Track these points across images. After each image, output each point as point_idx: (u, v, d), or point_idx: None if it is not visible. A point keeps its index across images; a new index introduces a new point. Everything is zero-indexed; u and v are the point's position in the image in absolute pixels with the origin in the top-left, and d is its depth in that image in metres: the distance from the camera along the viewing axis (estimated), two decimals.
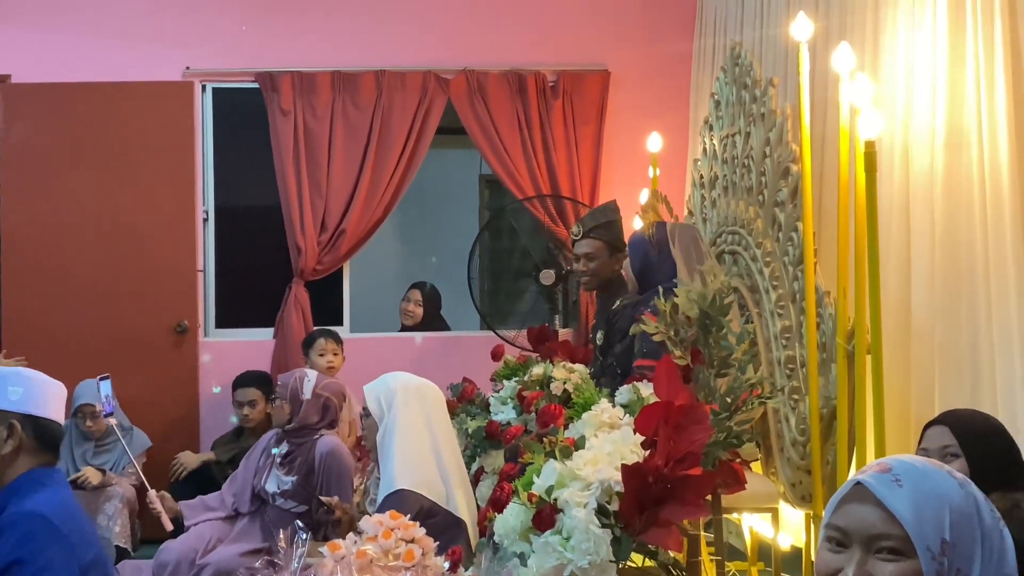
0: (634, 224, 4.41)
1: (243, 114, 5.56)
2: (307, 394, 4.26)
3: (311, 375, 4.32)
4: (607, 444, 2.60)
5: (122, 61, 5.35)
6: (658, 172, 4.70)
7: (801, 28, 3.30)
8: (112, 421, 4.30)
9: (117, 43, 5.38)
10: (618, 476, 2.42)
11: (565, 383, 3.70)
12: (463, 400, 4.23)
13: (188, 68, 5.42)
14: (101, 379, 4.16)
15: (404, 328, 5.80)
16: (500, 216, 6.47)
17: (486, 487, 3.66)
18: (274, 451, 4.29)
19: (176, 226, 5.39)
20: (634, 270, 3.86)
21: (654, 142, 4.70)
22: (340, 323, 5.57)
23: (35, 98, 5.29)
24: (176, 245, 5.38)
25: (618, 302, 4.02)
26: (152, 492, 4.21)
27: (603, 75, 5.60)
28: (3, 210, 5.31)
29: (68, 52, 5.34)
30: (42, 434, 2.46)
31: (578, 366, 3.87)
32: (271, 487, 4.30)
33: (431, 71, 5.48)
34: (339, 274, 5.59)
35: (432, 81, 5.48)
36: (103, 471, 4.71)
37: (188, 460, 5.06)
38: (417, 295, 5.81)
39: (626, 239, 4.01)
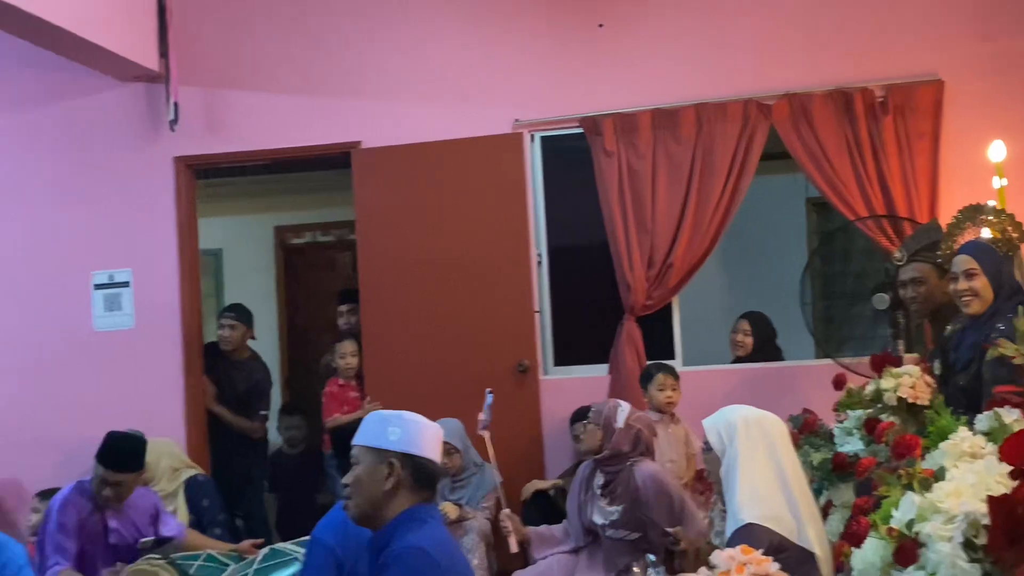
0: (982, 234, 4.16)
1: (569, 159, 5.77)
2: (620, 423, 4.41)
3: (624, 406, 4.50)
4: (970, 475, 2.47)
5: (456, 120, 5.71)
6: (1004, 182, 4.41)
7: None
8: (487, 434, 4.59)
9: (451, 104, 5.75)
10: (984, 508, 2.29)
11: (895, 390, 3.54)
12: (805, 431, 4.14)
13: (517, 120, 5.70)
14: (488, 392, 4.64)
15: (736, 360, 5.75)
16: (830, 239, 6.28)
17: (836, 521, 3.56)
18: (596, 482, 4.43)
19: (513, 269, 5.66)
20: (988, 276, 3.62)
21: (997, 151, 4.42)
22: (672, 357, 5.61)
23: (382, 160, 5.76)
24: (513, 287, 5.65)
25: (949, 328, 3.81)
26: (506, 511, 4.46)
27: (936, 85, 5.32)
28: (361, 263, 5.81)
29: (408, 117, 5.78)
30: (419, 472, 2.65)
31: (907, 367, 3.67)
32: (598, 519, 4.42)
33: (752, 99, 5.45)
34: (668, 308, 5.65)
35: (753, 109, 5.44)
36: (460, 506, 4.99)
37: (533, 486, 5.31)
38: (746, 325, 5.75)
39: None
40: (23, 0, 4.67)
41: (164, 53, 5.81)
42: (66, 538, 4.40)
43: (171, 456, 5.38)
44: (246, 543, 4.74)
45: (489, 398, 4.62)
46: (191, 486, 5.26)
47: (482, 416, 4.60)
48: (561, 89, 5.69)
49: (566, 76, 5.70)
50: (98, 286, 5.96)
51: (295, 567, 3.82)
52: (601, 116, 5.59)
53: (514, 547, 4.51)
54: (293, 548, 4.07)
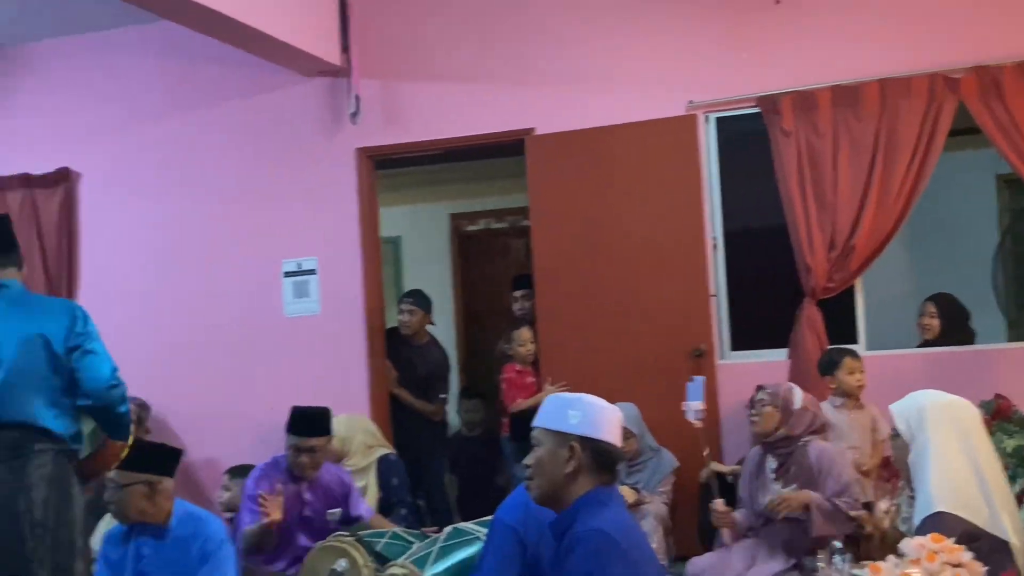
0: None
1: (745, 140, 5.67)
2: (798, 405, 4.41)
3: (797, 389, 4.43)
4: None
5: (630, 104, 5.70)
6: None
7: None
8: (701, 414, 4.49)
9: (624, 88, 5.74)
10: None
11: None
12: (997, 418, 3.99)
13: (691, 102, 5.64)
14: (695, 379, 4.55)
15: (924, 343, 5.55)
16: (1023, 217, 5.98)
17: None
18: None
19: (687, 253, 5.61)
20: None
21: None
22: (854, 340, 5.46)
23: (556, 146, 5.81)
24: (688, 272, 5.60)
25: None
26: (719, 501, 4.44)
27: None
28: (535, 249, 5.88)
29: (581, 102, 5.80)
30: (600, 455, 2.68)
31: None
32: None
33: (938, 73, 5.22)
34: (851, 291, 5.49)
35: (940, 83, 5.21)
36: (636, 490, 5.00)
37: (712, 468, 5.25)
38: (932, 308, 5.55)
39: None
40: (215, 0, 4.93)
41: (346, 48, 6.01)
42: (257, 508, 4.64)
43: (366, 432, 5.58)
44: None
45: (697, 386, 4.49)
46: (383, 464, 5.44)
47: (696, 405, 4.48)
48: (736, 68, 5.60)
49: (741, 55, 5.60)
50: (287, 274, 6.23)
51: (477, 546, 3.91)
52: (778, 95, 5.47)
53: (728, 539, 4.51)
54: (476, 527, 4.16)
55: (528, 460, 2.73)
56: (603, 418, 2.71)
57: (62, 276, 6.43)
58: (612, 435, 2.70)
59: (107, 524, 4.93)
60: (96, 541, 4.98)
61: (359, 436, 5.51)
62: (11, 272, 3.65)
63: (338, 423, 5.54)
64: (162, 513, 3.87)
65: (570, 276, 5.77)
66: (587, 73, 5.81)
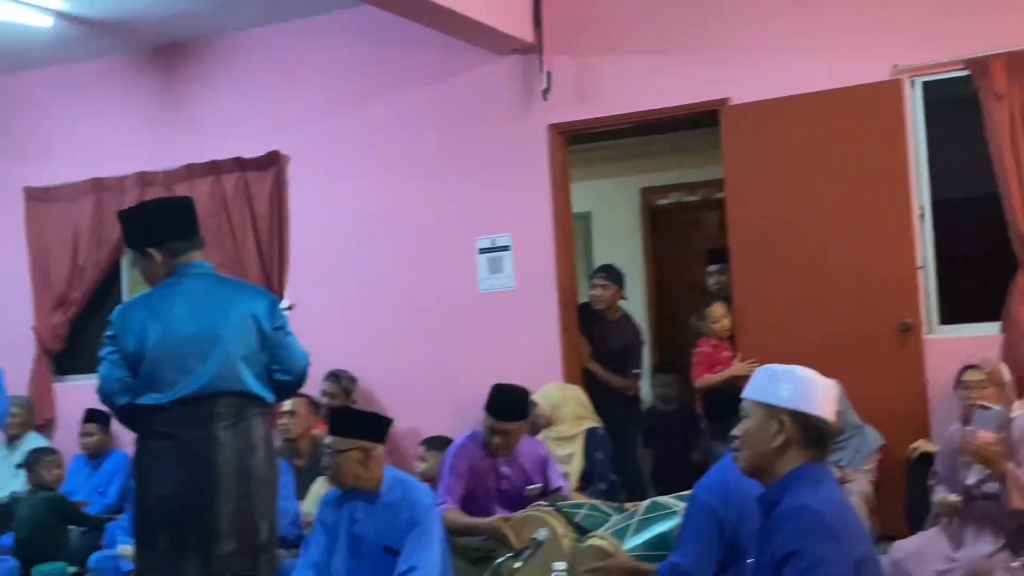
0: None
1: (953, 104, 5.41)
2: (1007, 378, 4.45)
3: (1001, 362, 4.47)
4: None
5: (830, 70, 5.52)
6: None
7: None
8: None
9: (824, 54, 5.56)
10: None
11: None
12: None
13: (896, 66, 5.41)
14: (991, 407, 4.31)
15: None
16: None
17: None
18: None
19: (892, 224, 5.40)
20: None
21: None
22: None
23: (752, 116, 5.68)
24: (893, 244, 5.40)
25: None
26: (951, 496, 4.33)
27: None
28: (730, 223, 5.78)
29: (778, 69, 5.65)
30: (811, 430, 2.62)
31: None
32: (971, 479, 4.31)
33: None
34: None
35: None
36: (840, 467, 4.88)
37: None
38: None
39: None
40: None
41: (538, 24, 6.05)
42: (456, 480, 4.78)
43: (576, 403, 5.65)
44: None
45: (990, 416, 4.22)
46: (591, 436, 5.50)
47: (986, 436, 4.20)
48: (944, 30, 5.34)
49: (949, 15, 5.33)
50: (482, 250, 6.35)
51: (675, 520, 3.91)
52: (989, 56, 5.19)
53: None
54: (674, 501, 4.15)
55: (736, 431, 2.70)
56: (815, 391, 2.64)
57: (274, 255, 6.74)
58: (824, 409, 2.63)
59: (320, 488, 5.17)
60: (309, 505, 5.25)
61: (569, 406, 5.58)
62: (197, 255, 3.90)
63: (550, 390, 5.65)
64: (374, 479, 4.04)
65: (768, 250, 5.65)
66: (784, 39, 5.66)
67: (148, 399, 3.68)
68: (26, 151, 7.58)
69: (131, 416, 3.77)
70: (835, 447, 4.97)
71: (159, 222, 3.87)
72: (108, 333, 3.75)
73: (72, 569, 5.44)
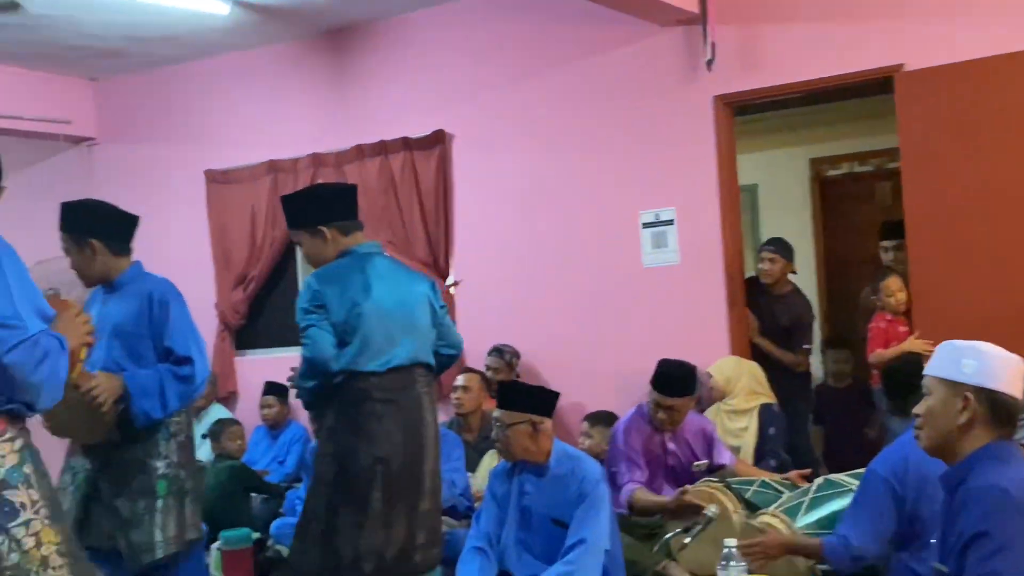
0: None
1: None
2: None
3: None
4: None
5: (1011, 31, 5.23)
6: None
7: None
8: None
9: (1006, 13, 5.28)
10: None
11: None
12: None
13: None
14: None
15: None
16: None
17: None
18: None
19: None
20: None
21: None
22: None
23: (930, 82, 5.42)
24: None
25: None
26: None
27: None
28: (906, 196, 5.56)
29: (957, 32, 5.39)
30: (997, 407, 2.53)
31: None
32: None
33: None
34: None
35: None
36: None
37: None
38: None
39: None
40: None
41: None
42: (635, 458, 4.78)
43: (752, 378, 5.61)
44: (794, 473, 4.83)
45: None
46: (765, 412, 5.43)
47: None
48: None
49: None
50: (646, 224, 6.30)
51: (849, 498, 3.81)
52: None
53: None
54: (848, 479, 4.06)
55: (918, 409, 2.62)
56: (1001, 368, 2.54)
57: (440, 233, 6.86)
58: (1012, 386, 2.53)
59: (490, 461, 5.27)
60: (480, 479, 5.36)
61: (744, 380, 5.55)
62: (362, 236, 4.12)
63: (726, 363, 5.64)
64: (543, 452, 4.09)
65: (948, 222, 5.38)
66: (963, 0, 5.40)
67: (369, 366, 3.92)
68: (206, 135, 7.93)
69: (335, 384, 3.93)
70: (1021, 425, 4.77)
71: (326, 202, 4.05)
72: (313, 303, 3.92)
73: (256, 535, 5.68)
